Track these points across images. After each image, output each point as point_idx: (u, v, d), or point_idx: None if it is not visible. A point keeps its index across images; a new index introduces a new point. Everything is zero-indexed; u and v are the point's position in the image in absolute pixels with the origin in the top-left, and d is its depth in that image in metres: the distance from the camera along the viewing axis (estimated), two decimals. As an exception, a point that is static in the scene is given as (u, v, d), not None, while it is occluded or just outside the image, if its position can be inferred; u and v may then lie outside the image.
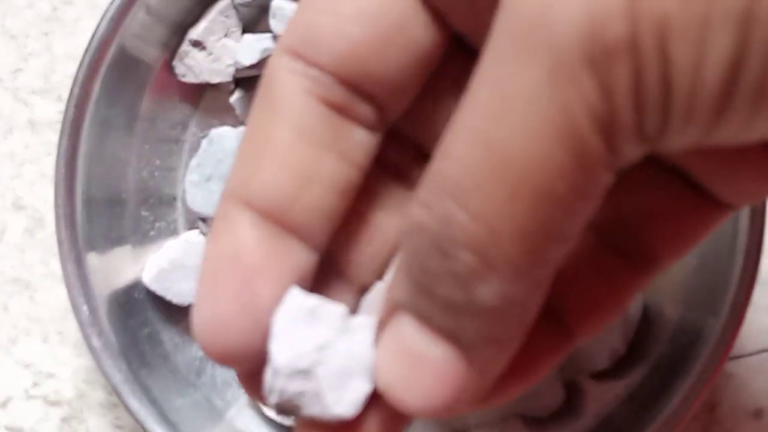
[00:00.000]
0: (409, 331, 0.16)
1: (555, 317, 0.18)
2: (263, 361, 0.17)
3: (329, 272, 0.19)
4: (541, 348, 0.17)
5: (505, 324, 0.15)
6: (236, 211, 0.17)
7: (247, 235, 0.17)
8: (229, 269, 0.17)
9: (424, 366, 0.16)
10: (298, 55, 0.17)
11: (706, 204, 0.18)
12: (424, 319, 0.16)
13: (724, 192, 0.18)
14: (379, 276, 0.19)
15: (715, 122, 0.14)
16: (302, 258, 0.18)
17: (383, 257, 0.19)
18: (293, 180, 0.17)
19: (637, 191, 0.18)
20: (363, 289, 0.20)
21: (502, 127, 0.14)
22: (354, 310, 0.19)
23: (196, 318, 0.17)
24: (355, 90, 0.18)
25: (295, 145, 0.17)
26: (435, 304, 0.16)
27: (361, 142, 0.18)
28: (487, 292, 0.15)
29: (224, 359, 0.17)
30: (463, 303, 0.15)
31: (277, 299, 0.17)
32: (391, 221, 0.19)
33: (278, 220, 0.17)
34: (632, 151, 0.14)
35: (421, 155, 0.20)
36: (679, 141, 0.14)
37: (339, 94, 0.18)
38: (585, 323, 0.18)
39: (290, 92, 0.17)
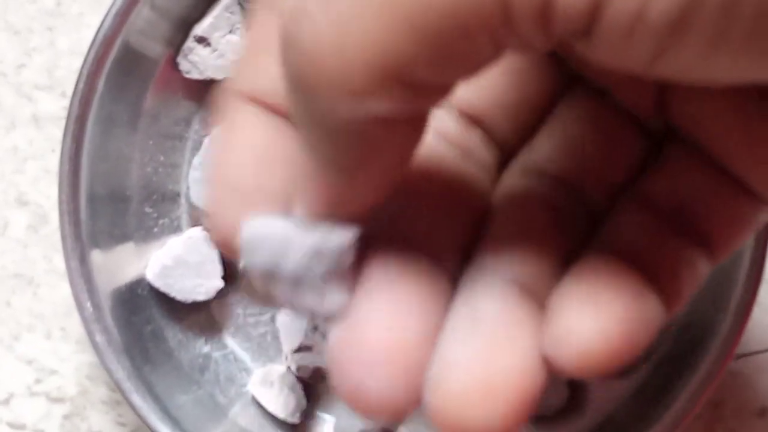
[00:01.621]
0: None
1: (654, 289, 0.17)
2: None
3: None
4: (651, 312, 0.17)
5: (339, 148, 0.15)
6: (242, 104, 0.18)
7: (254, 125, 0.18)
8: (241, 155, 0.18)
9: (306, 173, 0.17)
10: None
11: (755, 197, 0.18)
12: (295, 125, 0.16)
13: (758, 183, 0.18)
14: None
15: (662, 51, 0.13)
16: None
17: None
18: None
19: (694, 182, 0.18)
20: None
21: None
22: None
23: (212, 204, 0.18)
24: None
25: None
26: (293, 109, 0.16)
27: None
28: (319, 101, 0.14)
29: (230, 239, 0.18)
30: (301, 108, 0.15)
31: (282, 182, 0.18)
32: None
33: (284, 113, 0.18)
34: (532, 36, 0.14)
35: None
36: (615, 57, 0.14)
37: None
38: (675, 296, 0.18)
39: None
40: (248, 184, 0.18)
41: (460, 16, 0.13)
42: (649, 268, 0.17)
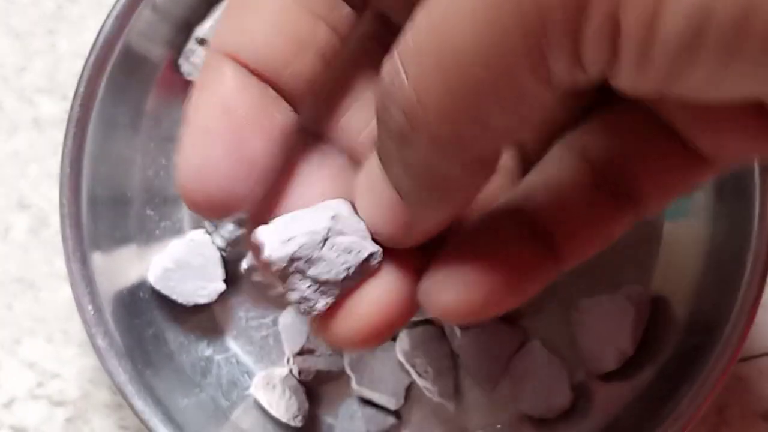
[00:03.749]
0: (376, 168, 0.18)
1: (546, 241, 0.19)
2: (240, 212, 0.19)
3: (320, 138, 0.20)
4: (530, 266, 0.18)
5: (430, 190, 0.17)
6: (226, 65, 0.18)
7: (236, 88, 0.18)
8: (220, 119, 0.18)
9: (380, 200, 0.18)
10: None
11: (694, 158, 0.19)
12: (382, 161, 0.17)
13: (706, 145, 0.18)
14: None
15: (675, 73, 0.14)
16: (289, 118, 0.19)
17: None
18: (288, 44, 0.18)
19: (632, 137, 0.19)
20: (352, 152, 0.21)
21: (445, 2, 0.15)
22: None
23: (182, 164, 0.18)
24: None
25: (292, 8, 0.18)
26: (384, 151, 0.17)
27: (348, 16, 0.19)
28: (413, 153, 0.16)
29: (206, 206, 0.18)
30: (396, 158, 0.17)
31: (265, 152, 0.18)
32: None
33: (268, 80, 0.18)
34: (569, 72, 0.15)
35: None
36: (635, 82, 0.15)
37: None
38: (572, 249, 0.19)
39: None
40: (223, 140, 0.18)
41: (496, 60, 0.14)
42: (550, 222, 0.19)
